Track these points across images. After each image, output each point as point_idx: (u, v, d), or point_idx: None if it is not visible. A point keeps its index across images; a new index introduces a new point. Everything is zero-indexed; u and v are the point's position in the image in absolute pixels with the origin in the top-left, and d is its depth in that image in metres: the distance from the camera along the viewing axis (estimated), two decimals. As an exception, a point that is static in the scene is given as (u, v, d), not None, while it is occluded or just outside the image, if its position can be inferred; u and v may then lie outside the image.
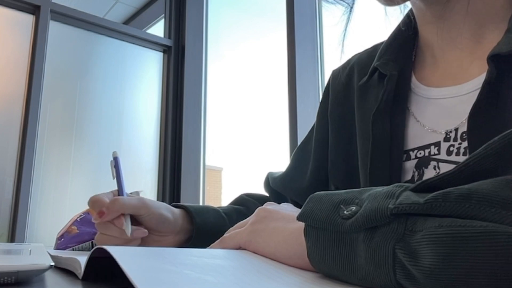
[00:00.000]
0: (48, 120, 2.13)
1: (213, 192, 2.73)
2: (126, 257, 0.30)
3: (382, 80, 0.58)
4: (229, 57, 2.71)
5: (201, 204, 2.42)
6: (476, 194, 0.25)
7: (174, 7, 2.65)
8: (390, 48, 0.61)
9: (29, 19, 2.15)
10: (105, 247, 0.32)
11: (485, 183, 0.26)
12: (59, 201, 2.10)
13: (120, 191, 0.63)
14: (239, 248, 0.44)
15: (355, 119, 0.62)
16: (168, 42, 2.57)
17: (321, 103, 0.72)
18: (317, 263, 0.33)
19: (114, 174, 0.65)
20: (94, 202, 0.59)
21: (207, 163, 2.52)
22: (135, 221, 0.61)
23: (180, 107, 2.49)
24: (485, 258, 0.23)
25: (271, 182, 0.77)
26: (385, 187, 0.31)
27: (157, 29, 2.79)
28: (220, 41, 2.73)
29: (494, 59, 0.45)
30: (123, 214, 0.58)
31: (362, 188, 0.33)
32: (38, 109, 2.07)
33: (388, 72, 0.57)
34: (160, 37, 2.59)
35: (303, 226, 0.34)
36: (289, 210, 0.45)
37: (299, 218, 0.34)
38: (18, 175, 1.99)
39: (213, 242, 0.51)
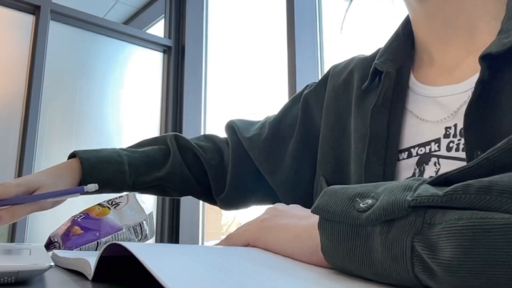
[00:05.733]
0: (48, 120, 2.13)
1: (213, 192, 2.72)
2: (146, 254, 0.29)
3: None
4: (229, 57, 2.71)
5: (200, 202, 2.41)
6: (497, 186, 0.25)
7: (174, 7, 2.65)
8: (389, 49, 0.62)
9: (29, 19, 2.15)
10: (122, 243, 0.31)
11: (505, 176, 0.25)
12: (59, 201, 2.10)
13: None
14: (247, 245, 0.43)
15: (351, 116, 0.63)
16: (168, 42, 2.57)
17: (315, 90, 0.73)
18: (331, 257, 0.33)
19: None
20: None
21: (207, 163, 2.52)
22: None
23: (180, 107, 2.49)
24: (506, 250, 0.23)
25: (241, 137, 0.78)
26: (401, 181, 0.31)
27: (157, 29, 2.79)
28: (220, 41, 2.73)
29: (486, 59, 0.46)
30: None
31: (377, 182, 0.33)
32: (38, 109, 2.07)
33: (385, 69, 0.58)
34: (160, 37, 2.59)
35: (316, 221, 0.34)
36: (299, 209, 0.44)
37: (314, 211, 0.34)
38: (18, 175, 1.99)
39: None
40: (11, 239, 1.92)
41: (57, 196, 0.66)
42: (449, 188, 0.26)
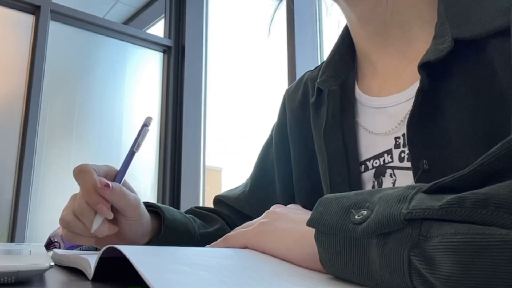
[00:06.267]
0: (48, 120, 2.13)
1: (213, 192, 2.73)
2: (140, 257, 0.29)
3: None
4: (229, 57, 2.71)
5: (200, 202, 2.41)
6: (493, 199, 0.25)
7: (174, 7, 2.65)
8: (330, 64, 0.62)
9: (29, 19, 2.15)
10: (117, 246, 0.31)
11: (502, 187, 0.25)
12: (59, 201, 2.10)
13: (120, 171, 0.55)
14: (245, 247, 0.43)
15: (313, 136, 0.63)
16: (168, 42, 2.58)
17: (278, 122, 0.72)
18: (330, 268, 0.33)
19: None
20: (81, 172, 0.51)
21: (207, 163, 2.52)
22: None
23: (180, 107, 2.49)
24: (505, 267, 0.23)
25: (230, 201, 0.75)
26: (396, 188, 0.30)
27: (157, 29, 2.79)
28: (220, 41, 2.73)
29: (424, 67, 0.45)
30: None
31: (372, 190, 0.33)
32: (38, 109, 2.07)
33: (327, 88, 0.58)
34: (160, 37, 2.59)
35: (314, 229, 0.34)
36: (298, 212, 0.44)
37: (309, 224, 0.33)
38: (18, 175, 1.99)
39: (181, 239, 0.50)
40: (11, 239, 1.92)
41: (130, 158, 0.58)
42: (444, 200, 0.26)
